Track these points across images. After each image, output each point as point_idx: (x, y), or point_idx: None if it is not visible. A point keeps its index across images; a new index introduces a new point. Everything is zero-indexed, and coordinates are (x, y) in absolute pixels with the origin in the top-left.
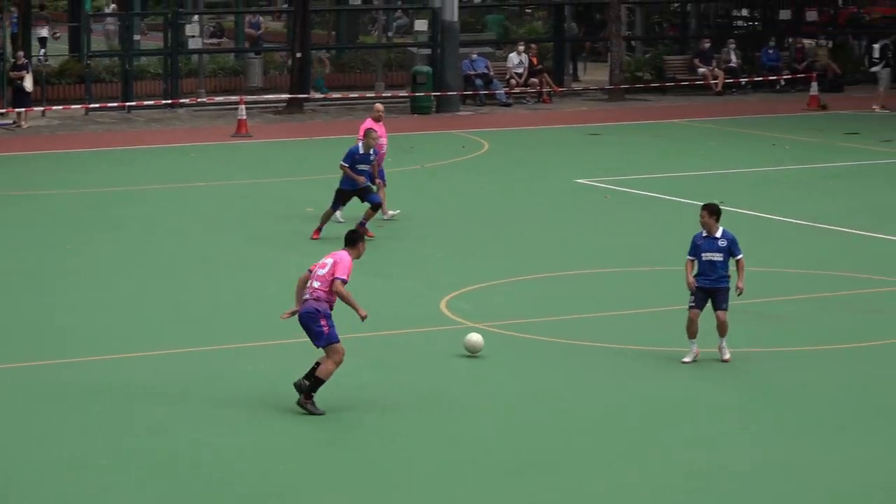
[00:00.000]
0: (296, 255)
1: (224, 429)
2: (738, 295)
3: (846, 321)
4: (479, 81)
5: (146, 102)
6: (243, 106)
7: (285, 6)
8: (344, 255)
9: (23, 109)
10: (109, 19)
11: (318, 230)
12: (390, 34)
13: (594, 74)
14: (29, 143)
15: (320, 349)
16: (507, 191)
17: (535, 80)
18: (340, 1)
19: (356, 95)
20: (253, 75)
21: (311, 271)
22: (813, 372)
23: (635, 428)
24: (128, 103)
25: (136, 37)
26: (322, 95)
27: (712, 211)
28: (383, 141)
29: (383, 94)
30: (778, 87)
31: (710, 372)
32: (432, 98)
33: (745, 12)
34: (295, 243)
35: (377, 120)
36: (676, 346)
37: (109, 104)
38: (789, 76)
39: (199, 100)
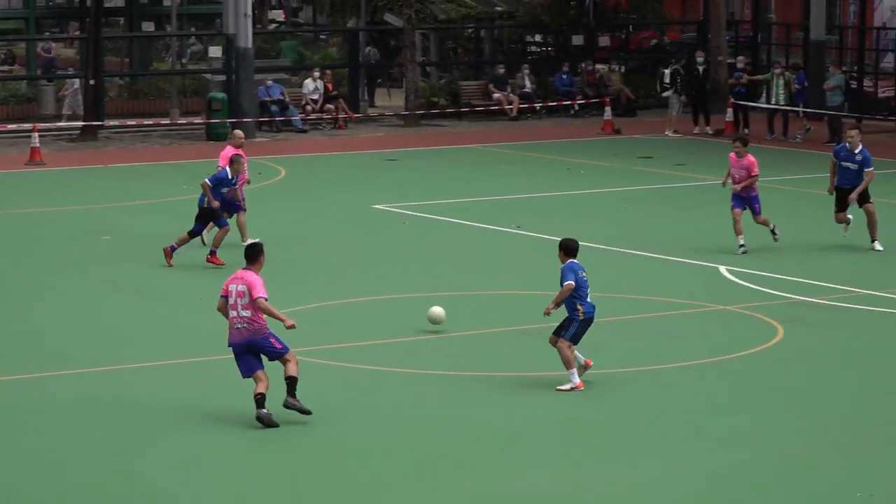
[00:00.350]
0: (90, 285)
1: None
2: None
3: (646, 344)
4: (274, 108)
5: None
6: (36, 133)
7: (78, 33)
8: (252, 275)
9: None
10: None
11: (214, 254)
12: (184, 60)
13: (392, 100)
14: None
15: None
16: (304, 217)
17: (330, 106)
18: (134, 27)
19: (151, 122)
20: (46, 102)
21: (224, 297)
22: (615, 397)
23: (439, 452)
24: None
25: None
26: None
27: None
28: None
29: (178, 121)
30: (572, 111)
31: (515, 397)
32: (228, 125)
33: (538, 38)
34: (90, 271)
35: (238, 146)
36: (481, 371)
37: None
38: (583, 101)
39: None
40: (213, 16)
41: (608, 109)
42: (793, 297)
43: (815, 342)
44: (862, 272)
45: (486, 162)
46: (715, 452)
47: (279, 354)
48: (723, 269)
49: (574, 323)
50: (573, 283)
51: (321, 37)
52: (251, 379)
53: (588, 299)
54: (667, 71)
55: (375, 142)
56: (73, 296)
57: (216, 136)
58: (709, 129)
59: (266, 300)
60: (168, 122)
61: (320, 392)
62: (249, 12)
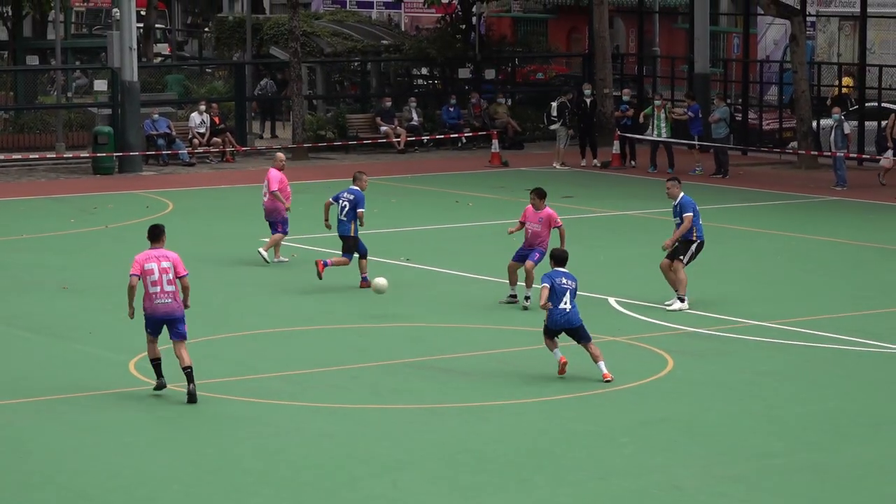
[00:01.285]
0: None
1: None
2: None
3: (533, 375)
4: (161, 141)
5: None
6: None
7: None
8: (174, 254)
9: None
10: None
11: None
12: (70, 94)
13: (278, 133)
14: None
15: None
16: (193, 250)
17: (217, 139)
18: (18, 60)
19: (36, 156)
20: None
21: (138, 276)
22: (500, 427)
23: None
24: None
25: None
26: None
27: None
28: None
29: (65, 155)
30: (460, 144)
31: (400, 428)
32: (114, 158)
33: (424, 71)
34: None
35: (280, 168)
36: (367, 404)
37: None
38: (470, 134)
39: None
40: (98, 49)
41: (496, 142)
42: (682, 327)
43: (705, 373)
44: (750, 303)
45: (375, 194)
46: (603, 483)
47: (183, 336)
48: (611, 300)
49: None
50: (548, 285)
51: (207, 70)
52: (156, 341)
53: (563, 306)
54: (554, 104)
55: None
56: None
57: (102, 169)
58: (596, 162)
59: None
60: (54, 155)
61: (203, 424)
62: (134, 46)
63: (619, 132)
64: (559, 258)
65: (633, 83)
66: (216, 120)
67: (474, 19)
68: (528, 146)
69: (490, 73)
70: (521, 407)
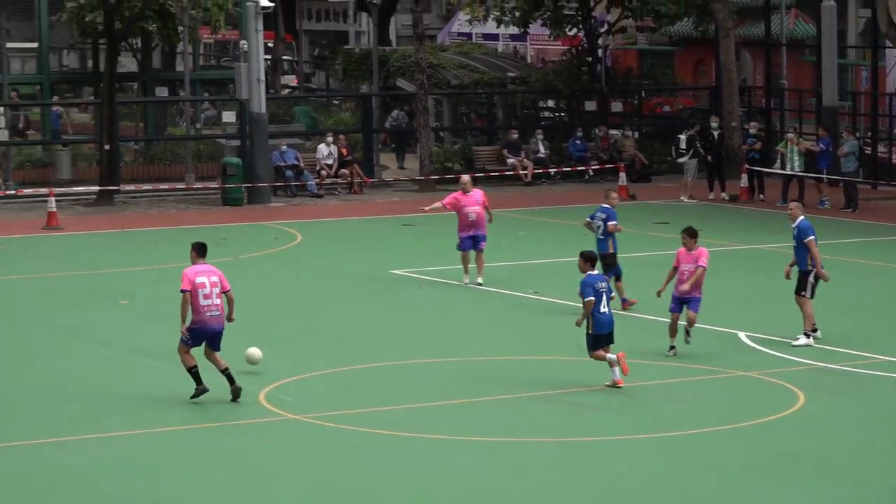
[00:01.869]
0: (109, 348)
1: None
2: None
3: (663, 409)
4: (289, 173)
5: None
6: (53, 198)
7: (92, 98)
8: (218, 270)
9: None
10: None
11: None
12: (198, 126)
13: (406, 164)
14: None
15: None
16: (321, 282)
17: (345, 171)
18: (147, 92)
19: (166, 187)
20: (62, 167)
21: (190, 292)
22: (629, 462)
23: None
24: None
25: None
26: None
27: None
28: (477, 210)
29: (194, 186)
30: (586, 176)
31: (535, 462)
32: (243, 189)
33: (551, 103)
34: (106, 336)
35: (466, 192)
36: (497, 437)
37: None
38: (597, 166)
39: (7, 192)
40: (226, 81)
41: (623, 175)
42: (814, 363)
43: (837, 409)
44: (883, 339)
45: (502, 227)
46: None
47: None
48: (742, 334)
49: (587, 337)
50: (593, 298)
51: (334, 102)
52: (187, 352)
53: (603, 310)
54: (683, 136)
55: (391, 207)
56: (91, 359)
57: (231, 200)
58: (725, 195)
59: None
60: (183, 186)
61: (333, 456)
62: (262, 77)
63: (746, 165)
64: (593, 259)
65: (761, 116)
66: (344, 151)
67: (600, 52)
68: (656, 179)
69: (616, 106)
70: (650, 441)
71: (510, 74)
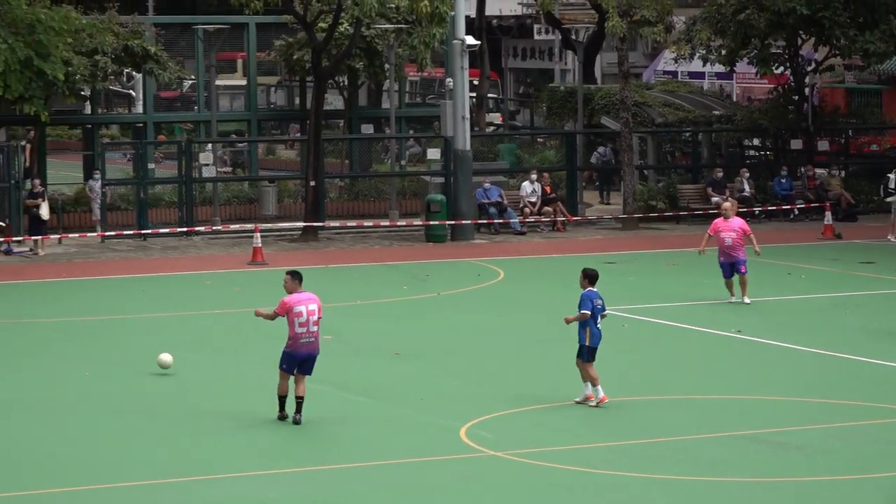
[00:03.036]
0: (311, 383)
1: None
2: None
3: (866, 451)
4: (492, 210)
5: (162, 230)
6: (258, 234)
7: (298, 135)
8: (315, 297)
9: (39, 237)
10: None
11: None
12: (403, 162)
13: (609, 201)
14: (44, 271)
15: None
16: (523, 318)
17: (548, 208)
18: (353, 129)
19: (370, 224)
20: (267, 203)
21: (283, 315)
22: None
23: None
24: (143, 231)
25: (151, 165)
26: None
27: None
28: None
29: (398, 223)
30: (792, 216)
31: (741, 501)
32: (447, 226)
33: (756, 141)
34: (314, 371)
35: (727, 218)
36: (699, 476)
37: (125, 232)
38: (803, 205)
39: (214, 227)
40: (431, 118)
41: (829, 214)
42: None
43: None
44: None
45: (705, 265)
46: None
47: (310, 373)
48: None
49: (583, 348)
50: (588, 311)
51: (538, 139)
52: (288, 378)
53: (598, 326)
54: (891, 175)
55: (593, 244)
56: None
57: (435, 237)
58: None
59: None
60: (387, 223)
61: (538, 494)
62: (467, 115)
63: None
64: (592, 277)
65: None
66: (547, 189)
67: (807, 90)
68: (862, 218)
69: (823, 145)
70: (858, 483)
71: (716, 112)
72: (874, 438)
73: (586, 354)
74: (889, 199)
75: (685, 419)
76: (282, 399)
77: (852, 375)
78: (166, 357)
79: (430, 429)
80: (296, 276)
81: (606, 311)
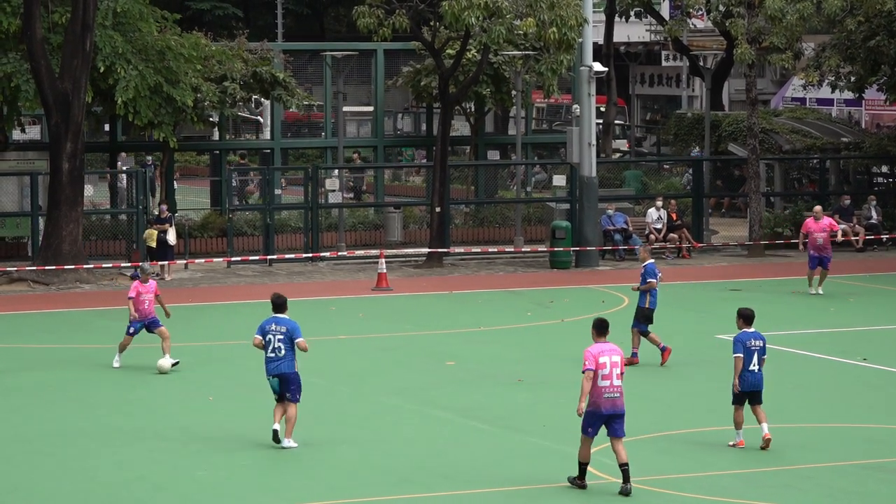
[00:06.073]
0: (434, 409)
1: None
2: None
3: None
4: (617, 236)
5: (287, 256)
6: (383, 259)
7: (424, 161)
8: (618, 348)
9: (166, 262)
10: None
11: None
12: (529, 189)
13: (732, 230)
14: (171, 296)
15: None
16: (648, 346)
17: (674, 235)
18: (479, 156)
19: (495, 250)
20: (392, 229)
21: (593, 371)
22: None
23: None
24: (269, 256)
25: (277, 191)
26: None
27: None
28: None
29: (522, 249)
30: None
31: None
32: (571, 253)
33: (885, 168)
34: (434, 397)
35: (817, 219)
36: None
37: (251, 257)
38: None
39: (339, 253)
40: (557, 145)
41: None
42: None
43: None
44: None
45: (832, 293)
46: None
47: (623, 433)
48: None
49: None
50: (741, 355)
51: (665, 166)
52: (589, 440)
53: (752, 368)
54: None
55: (719, 271)
56: (416, 420)
57: (559, 264)
58: None
59: None
60: (512, 249)
61: None
62: (594, 141)
63: None
64: (748, 317)
65: None
66: (673, 216)
67: None
68: None
69: None
70: None
71: (844, 139)
72: None
73: (733, 399)
74: None
75: (810, 447)
76: (583, 466)
77: None
78: (165, 362)
79: (553, 456)
80: (601, 325)
81: (766, 355)
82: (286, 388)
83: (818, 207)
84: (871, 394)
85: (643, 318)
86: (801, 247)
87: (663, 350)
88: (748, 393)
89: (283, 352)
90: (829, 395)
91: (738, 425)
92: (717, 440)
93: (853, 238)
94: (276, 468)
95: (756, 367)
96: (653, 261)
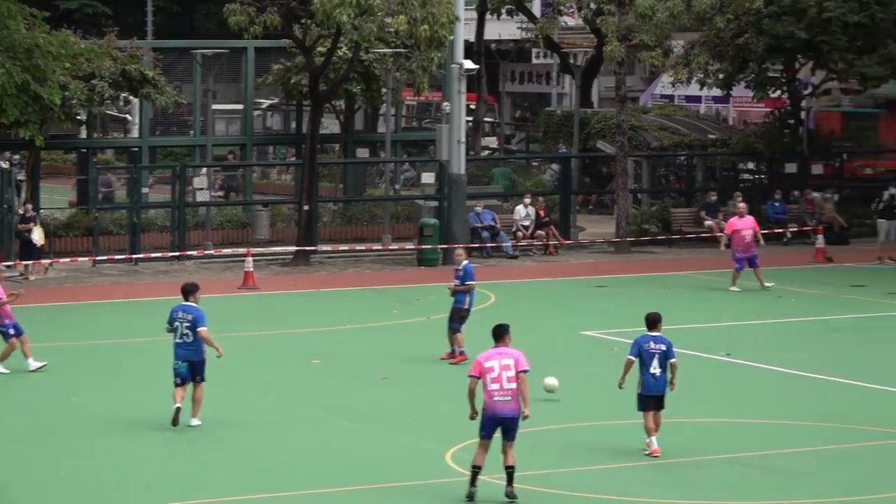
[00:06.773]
0: (302, 408)
1: None
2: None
3: (853, 475)
4: (485, 234)
5: (153, 254)
6: (250, 258)
7: (293, 159)
8: (516, 351)
9: (30, 262)
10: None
11: None
12: (397, 187)
13: (600, 227)
14: (35, 295)
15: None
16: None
17: (541, 232)
18: (348, 153)
19: (363, 248)
20: (260, 227)
21: (478, 377)
22: None
23: None
24: (135, 255)
25: (144, 189)
26: None
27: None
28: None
29: (390, 247)
30: (784, 239)
31: None
32: (439, 250)
33: (751, 165)
34: (300, 395)
35: (741, 217)
36: (683, 499)
37: (117, 256)
38: (796, 228)
39: (205, 252)
40: (426, 142)
41: (821, 238)
42: None
43: None
44: None
45: (697, 289)
46: None
47: (514, 439)
48: None
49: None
50: (633, 357)
51: (533, 163)
52: (484, 444)
53: (652, 371)
54: (886, 193)
55: (585, 268)
56: (284, 419)
57: (427, 261)
58: None
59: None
60: (380, 247)
61: None
62: (463, 139)
63: None
64: (651, 321)
65: None
66: (541, 213)
67: (804, 114)
68: (854, 241)
69: (817, 168)
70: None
71: (711, 136)
72: (863, 461)
73: (638, 404)
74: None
75: (667, 442)
76: (475, 470)
77: (841, 398)
78: (552, 381)
79: (417, 452)
80: (496, 331)
81: (675, 359)
82: (197, 372)
83: (742, 204)
84: (733, 388)
85: (458, 319)
86: (722, 247)
87: (460, 353)
88: (651, 397)
89: (191, 338)
90: (691, 389)
91: (649, 431)
92: (574, 436)
93: (719, 234)
94: (134, 466)
95: (658, 371)
96: (469, 261)
